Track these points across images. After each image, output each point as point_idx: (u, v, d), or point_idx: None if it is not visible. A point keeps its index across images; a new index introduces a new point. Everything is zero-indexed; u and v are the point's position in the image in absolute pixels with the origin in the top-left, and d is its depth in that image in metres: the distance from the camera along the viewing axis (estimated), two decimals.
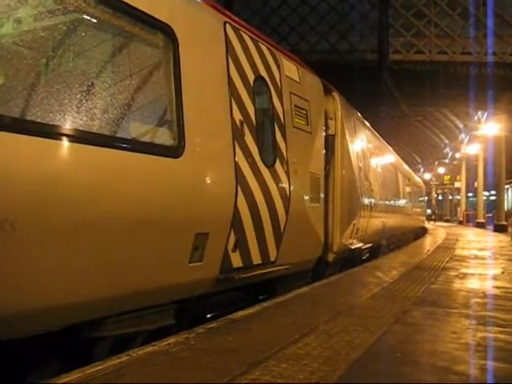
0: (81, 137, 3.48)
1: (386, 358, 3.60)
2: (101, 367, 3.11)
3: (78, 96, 3.61)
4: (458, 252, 13.54)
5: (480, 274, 8.73)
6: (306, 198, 7.08)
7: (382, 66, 20.37)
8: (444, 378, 3.12)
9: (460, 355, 3.64)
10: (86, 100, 3.66)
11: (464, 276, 8.31)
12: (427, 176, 62.34)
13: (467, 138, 43.01)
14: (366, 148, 11.74)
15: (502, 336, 4.28)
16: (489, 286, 7.37)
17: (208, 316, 5.46)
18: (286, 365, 3.25)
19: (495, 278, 8.33)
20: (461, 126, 46.08)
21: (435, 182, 63.51)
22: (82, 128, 3.53)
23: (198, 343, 3.74)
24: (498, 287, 7.14)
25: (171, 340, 3.80)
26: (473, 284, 7.55)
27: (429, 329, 4.48)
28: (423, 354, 3.66)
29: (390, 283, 7.22)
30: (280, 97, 6.37)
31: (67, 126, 3.44)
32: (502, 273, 8.98)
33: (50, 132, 3.30)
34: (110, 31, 4.11)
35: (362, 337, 4.04)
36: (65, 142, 3.38)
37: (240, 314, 4.85)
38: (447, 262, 10.65)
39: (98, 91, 3.88)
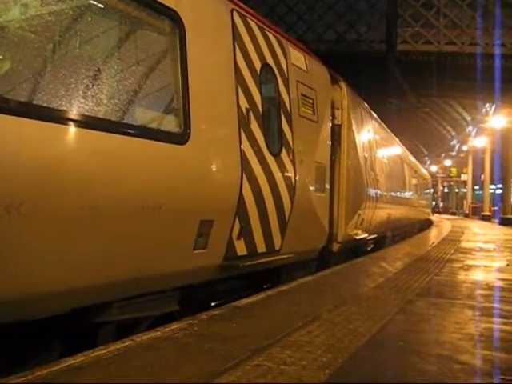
0: (88, 122, 3.49)
1: (388, 346, 3.60)
2: (105, 351, 3.13)
3: (84, 82, 3.61)
4: (464, 244, 13.51)
5: (485, 266, 8.71)
6: (311, 187, 7.07)
7: (389, 56, 20.21)
8: (446, 367, 3.13)
9: (463, 345, 3.64)
10: (92, 86, 3.66)
11: (469, 268, 8.30)
12: (434, 168, 62.09)
13: (474, 130, 42.78)
14: (372, 139, 11.70)
15: (506, 327, 4.28)
16: (493, 277, 7.35)
17: (212, 304, 5.49)
18: (290, 352, 3.26)
19: (500, 270, 8.31)
20: (468, 118, 45.79)
21: (441, 175, 63.23)
22: (88, 113, 3.53)
23: (201, 329, 3.76)
24: (502, 279, 7.12)
25: (175, 326, 3.81)
26: (477, 276, 7.53)
27: (432, 319, 4.48)
28: (426, 344, 3.66)
29: (395, 274, 7.22)
30: (286, 85, 6.34)
31: (74, 111, 3.44)
32: (507, 265, 8.96)
33: (57, 117, 3.31)
34: (117, 17, 4.10)
35: (366, 326, 4.04)
36: (72, 127, 3.38)
37: (244, 301, 4.86)
38: (452, 253, 10.63)
39: (105, 77, 3.88)
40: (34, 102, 3.28)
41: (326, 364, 3.05)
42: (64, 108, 3.38)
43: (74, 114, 3.42)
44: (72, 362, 2.90)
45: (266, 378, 2.75)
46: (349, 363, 3.11)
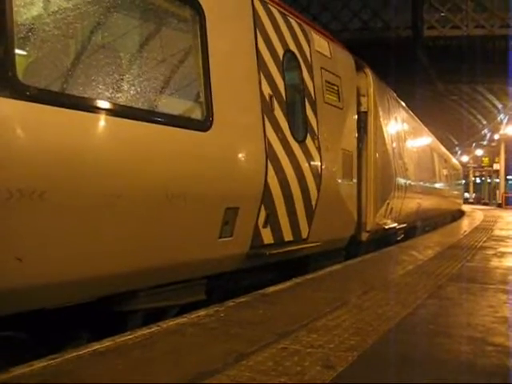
0: (115, 110, 3.49)
1: (418, 329, 3.52)
2: (131, 336, 3.13)
3: (113, 72, 3.62)
4: (496, 232, 13.21)
5: None
6: (337, 174, 6.97)
7: (416, 42, 19.83)
8: (479, 348, 3.04)
9: (496, 328, 3.54)
10: (122, 76, 3.67)
11: (502, 255, 8.11)
12: (465, 158, 60.99)
13: (506, 118, 41.83)
14: (400, 127, 11.50)
15: None
16: None
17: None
18: (316, 335, 3.21)
19: None
20: (499, 105, 44.79)
21: (473, 165, 62.06)
22: (115, 101, 3.54)
23: (228, 315, 3.74)
24: None
25: (201, 312, 3.80)
26: (511, 262, 7.35)
27: (464, 303, 4.37)
28: (457, 327, 3.57)
29: (425, 261, 7.09)
30: (310, 72, 6.26)
31: (102, 99, 3.44)
32: None
33: (86, 105, 3.31)
34: (137, 6, 4.09)
35: (395, 310, 3.97)
36: (100, 116, 3.39)
37: (271, 289, 4.82)
38: (484, 241, 10.41)
39: (131, 67, 3.89)
40: (60, 90, 3.30)
41: (354, 346, 2.99)
42: (94, 97, 3.40)
43: (102, 102, 3.43)
44: (98, 346, 2.90)
45: (293, 360, 2.71)
46: (377, 345, 3.05)
